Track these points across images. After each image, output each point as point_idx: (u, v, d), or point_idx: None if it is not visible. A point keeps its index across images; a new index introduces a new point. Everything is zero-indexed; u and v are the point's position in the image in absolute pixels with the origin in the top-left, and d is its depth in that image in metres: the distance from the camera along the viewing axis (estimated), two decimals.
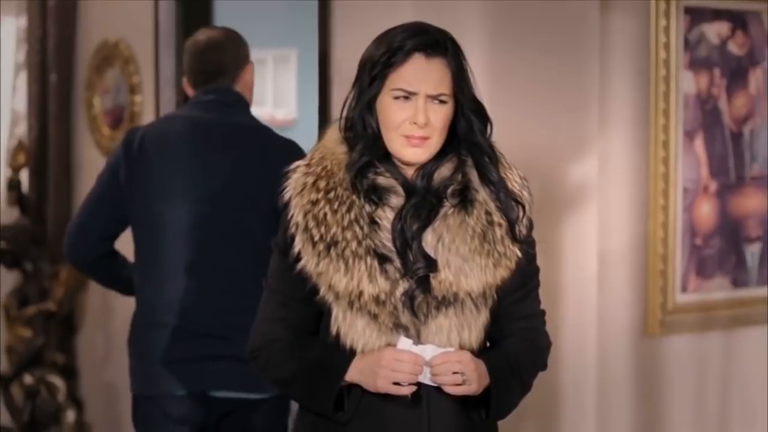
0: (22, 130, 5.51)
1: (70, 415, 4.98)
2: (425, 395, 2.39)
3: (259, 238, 3.24)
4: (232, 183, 3.31)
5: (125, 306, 5.08)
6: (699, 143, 4.19)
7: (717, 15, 4.20)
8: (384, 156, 2.41)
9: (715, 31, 4.20)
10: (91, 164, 5.29)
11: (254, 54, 3.57)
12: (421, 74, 2.36)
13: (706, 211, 4.23)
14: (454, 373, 2.33)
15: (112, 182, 3.39)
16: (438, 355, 2.34)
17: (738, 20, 4.24)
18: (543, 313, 2.57)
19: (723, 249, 4.27)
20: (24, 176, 5.34)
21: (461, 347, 2.38)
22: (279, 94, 7.06)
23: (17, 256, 5.10)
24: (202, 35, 3.50)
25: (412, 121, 2.35)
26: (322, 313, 2.43)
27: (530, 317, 2.53)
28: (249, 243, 3.30)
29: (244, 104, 3.49)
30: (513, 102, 3.78)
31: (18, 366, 5.04)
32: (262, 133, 3.42)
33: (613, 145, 4.00)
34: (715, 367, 4.28)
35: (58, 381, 4.99)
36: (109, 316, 5.26)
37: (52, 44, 5.29)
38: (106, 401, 5.27)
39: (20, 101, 5.53)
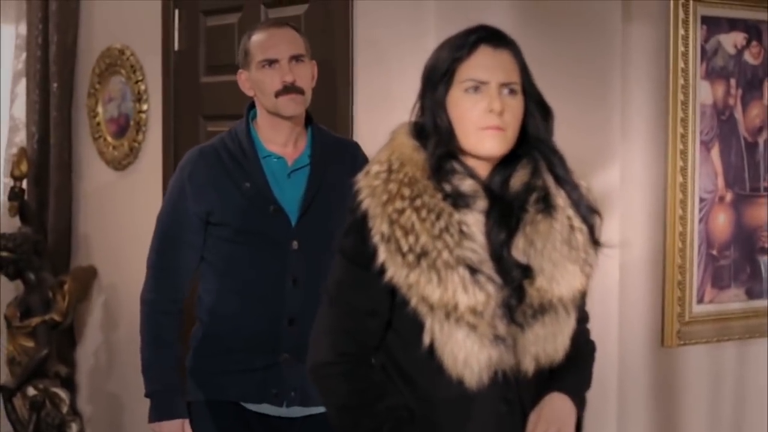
0: (21, 138, 5.43)
1: (74, 428, 4.90)
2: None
3: None
4: None
5: (128, 317, 5.03)
6: (715, 153, 4.18)
7: (733, 25, 4.19)
8: (457, 157, 2.37)
9: (731, 41, 4.20)
10: (92, 173, 5.24)
11: None
12: (490, 62, 2.34)
13: (722, 221, 4.22)
14: None
15: None
16: None
17: (753, 31, 4.23)
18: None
19: (738, 259, 4.26)
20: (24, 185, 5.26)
21: (552, 355, 2.38)
22: None
23: (20, 267, 5.01)
24: None
25: (489, 109, 2.32)
26: (390, 324, 2.38)
27: (585, 319, 2.56)
28: None
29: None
30: None
31: (22, 377, 4.95)
32: None
33: (632, 156, 3.98)
34: (730, 377, 4.27)
35: (62, 393, 4.91)
36: (111, 327, 5.20)
37: (54, 51, 5.21)
38: (108, 413, 5.22)
39: (19, 109, 5.45)
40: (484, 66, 2.34)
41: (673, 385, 4.14)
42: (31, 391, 4.95)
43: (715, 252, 4.20)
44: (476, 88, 2.33)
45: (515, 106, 2.35)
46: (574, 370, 2.47)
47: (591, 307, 3.88)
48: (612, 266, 3.86)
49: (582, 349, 2.53)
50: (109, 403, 5.21)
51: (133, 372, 4.95)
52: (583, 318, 2.52)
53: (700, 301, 4.17)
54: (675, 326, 4.10)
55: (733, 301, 4.26)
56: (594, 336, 3.88)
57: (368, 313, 2.37)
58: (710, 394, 4.24)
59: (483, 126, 2.33)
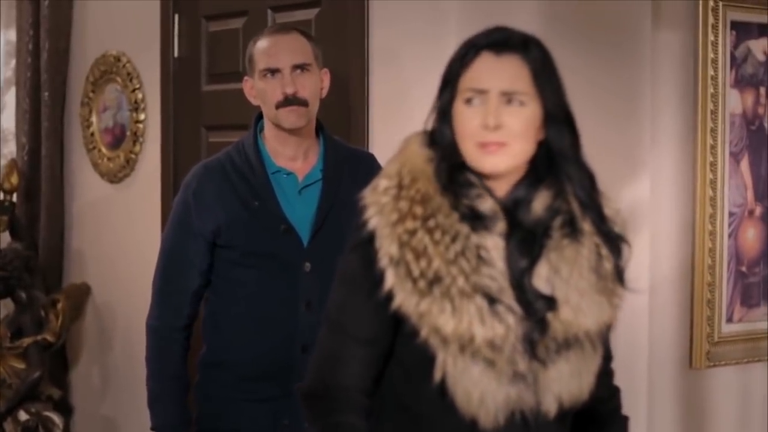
0: (10, 149, 5.27)
1: None
2: None
3: None
4: None
5: (123, 336, 4.85)
6: (744, 165, 4.01)
7: (763, 31, 4.02)
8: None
9: (761, 47, 4.03)
10: (86, 186, 5.10)
11: None
12: (491, 70, 2.12)
13: (751, 236, 4.06)
14: None
15: None
16: None
17: None
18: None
19: (767, 276, 4.08)
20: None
21: (576, 395, 2.17)
22: None
23: (10, 284, 4.82)
24: None
25: (483, 124, 2.11)
26: (395, 356, 2.20)
27: (610, 357, 2.36)
28: None
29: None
30: None
31: (13, 401, 4.76)
32: None
33: (661, 169, 3.82)
34: (760, 399, 4.15)
35: (56, 417, 4.72)
36: (105, 348, 5.03)
37: (46, 58, 5.04)
38: None
39: (9, 119, 5.29)
40: (484, 74, 2.13)
41: (703, 408, 4.01)
42: (23, 416, 4.79)
43: (744, 269, 4.03)
44: (474, 99, 2.13)
45: (522, 116, 2.12)
46: None
47: (619, 329, 3.73)
48: (641, 283, 3.67)
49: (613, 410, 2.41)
50: (104, 427, 5.06)
51: (129, 394, 4.82)
52: (608, 356, 2.33)
53: (729, 320, 4.01)
54: (704, 347, 3.92)
55: (763, 320, 4.12)
56: (622, 358, 3.71)
57: (368, 342, 2.18)
58: (740, 416, 4.10)
59: (480, 141, 2.12)
